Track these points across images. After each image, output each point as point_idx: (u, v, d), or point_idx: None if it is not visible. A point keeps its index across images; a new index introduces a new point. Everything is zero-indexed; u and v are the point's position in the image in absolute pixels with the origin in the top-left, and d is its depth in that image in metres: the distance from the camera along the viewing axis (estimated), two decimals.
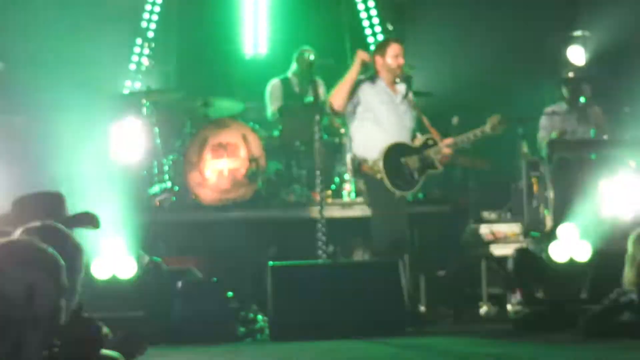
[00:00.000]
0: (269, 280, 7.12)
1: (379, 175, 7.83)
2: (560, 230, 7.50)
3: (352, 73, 8.09)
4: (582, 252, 7.30)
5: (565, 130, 9.34)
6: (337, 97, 8.07)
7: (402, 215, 7.99)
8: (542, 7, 10.85)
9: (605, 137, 9.23)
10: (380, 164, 7.81)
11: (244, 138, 9.08)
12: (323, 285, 7.09)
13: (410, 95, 8.40)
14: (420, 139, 8.13)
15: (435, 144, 8.02)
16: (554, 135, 9.22)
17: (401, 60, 8.15)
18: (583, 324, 6.28)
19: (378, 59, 8.23)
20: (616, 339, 5.71)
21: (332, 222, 8.09)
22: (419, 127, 8.33)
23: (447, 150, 8.00)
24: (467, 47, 8.40)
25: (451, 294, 9.01)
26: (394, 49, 8.18)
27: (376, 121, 8.11)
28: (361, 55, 8.19)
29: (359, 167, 8.04)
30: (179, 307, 7.07)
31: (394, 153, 7.91)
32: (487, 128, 7.92)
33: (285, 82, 10.31)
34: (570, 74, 9.88)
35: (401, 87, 8.34)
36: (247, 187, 9.04)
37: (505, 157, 9.92)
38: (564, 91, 9.66)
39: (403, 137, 8.12)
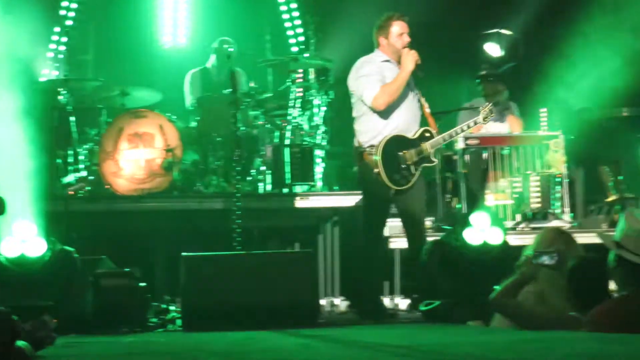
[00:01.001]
0: (182, 270, 7.11)
1: (376, 170, 7.58)
2: (474, 217, 7.64)
3: (404, 75, 7.69)
4: (495, 237, 7.47)
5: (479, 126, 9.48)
6: (385, 95, 7.65)
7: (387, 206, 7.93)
8: (459, 3, 10.99)
9: (518, 132, 9.39)
10: (378, 159, 7.57)
11: (161, 128, 9.04)
12: (236, 276, 7.09)
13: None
14: (417, 131, 7.79)
15: (432, 136, 7.75)
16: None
17: (407, 39, 7.73)
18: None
19: (382, 40, 7.85)
20: None
21: (247, 213, 8.11)
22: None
23: (440, 142, 7.84)
24: None
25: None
26: (398, 26, 7.77)
27: (397, 104, 7.76)
28: (412, 57, 7.69)
29: (361, 155, 7.78)
30: (91, 297, 7.03)
31: (392, 146, 7.63)
32: (480, 118, 7.91)
33: (204, 73, 10.30)
34: (486, 71, 9.96)
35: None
36: (162, 177, 9.00)
37: None
38: (481, 87, 9.79)
39: (412, 126, 7.82)
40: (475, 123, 7.92)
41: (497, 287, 5.39)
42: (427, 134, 7.73)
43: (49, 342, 4.71)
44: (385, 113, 7.70)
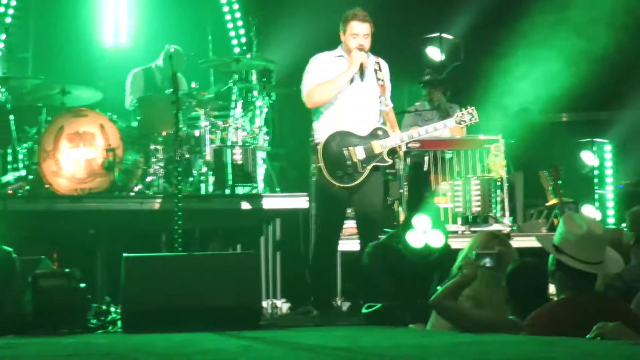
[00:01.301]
0: (123, 271, 7.05)
1: (317, 165, 7.60)
2: (415, 220, 7.69)
3: (343, 75, 7.66)
4: (436, 239, 7.53)
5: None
6: (316, 93, 7.71)
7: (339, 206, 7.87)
8: (401, 7, 11.05)
9: (459, 136, 9.46)
10: (319, 154, 7.57)
11: (102, 127, 9.00)
12: (178, 277, 7.05)
13: (381, 74, 7.85)
14: (370, 128, 7.70)
15: (385, 135, 7.63)
16: None
17: (362, 41, 7.63)
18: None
19: (341, 35, 7.79)
20: None
21: (188, 214, 8.08)
22: None
23: (395, 142, 7.70)
24: (332, 42, 8.45)
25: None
26: (353, 26, 7.66)
27: (335, 104, 7.70)
28: (359, 58, 7.66)
29: (315, 153, 7.74)
30: (30, 298, 6.96)
31: (337, 143, 7.58)
32: (452, 121, 8.03)
33: (148, 73, 10.29)
34: (430, 76, 10.05)
35: (370, 66, 7.80)
36: (103, 177, 8.96)
37: None
38: (425, 92, 9.87)
39: (366, 123, 7.71)
40: (445, 126, 8.00)
41: (438, 289, 5.40)
42: (380, 132, 7.63)
43: None
44: (336, 110, 7.67)
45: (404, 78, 10.62)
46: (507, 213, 9.11)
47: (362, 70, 7.68)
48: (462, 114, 7.82)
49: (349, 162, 7.49)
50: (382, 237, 8.18)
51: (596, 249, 4.41)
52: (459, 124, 7.84)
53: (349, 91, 7.70)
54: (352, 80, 7.70)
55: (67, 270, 7.30)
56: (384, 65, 8.02)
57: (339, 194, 7.67)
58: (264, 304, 8.30)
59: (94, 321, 7.29)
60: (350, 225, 8.90)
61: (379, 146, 7.53)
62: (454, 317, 5.20)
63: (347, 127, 7.64)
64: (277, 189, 9.51)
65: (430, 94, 9.83)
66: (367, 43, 7.69)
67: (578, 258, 4.37)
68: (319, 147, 7.59)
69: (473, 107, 7.80)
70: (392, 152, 7.78)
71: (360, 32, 7.62)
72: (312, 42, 8.20)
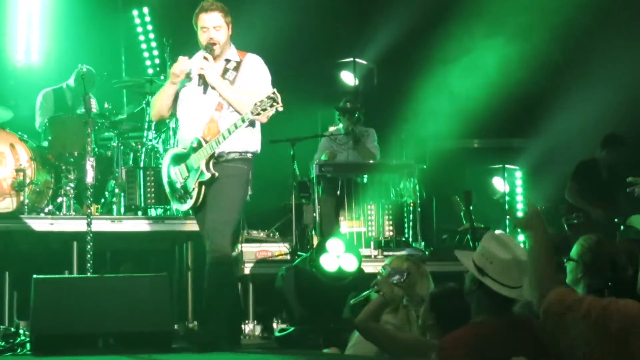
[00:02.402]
0: (33, 293, 6.93)
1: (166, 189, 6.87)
2: (329, 244, 7.74)
3: (165, 88, 6.77)
4: (350, 263, 7.59)
5: (335, 153, 9.58)
6: (153, 109, 7.01)
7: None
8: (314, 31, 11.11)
9: (373, 161, 9.54)
10: (163, 179, 6.83)
11: (12, 147, 8.86)
12: (89, 299, 6.94)
13: (237, 74, 6.59)
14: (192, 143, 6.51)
15: (199, 146, 6.40)
16: (324, 157, 9.45)
17: (213, 34, 6.45)
18: None
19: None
20: None
21: (100, 236, 8.00)
22: None
23: (207, 151, 6.41)
24: None
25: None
26: (200, 19, 6.50)
27: (181, 114, 6.75)
28: (174, 69, 6.64)
29: None
30: None
31: (170, 163, 6.72)
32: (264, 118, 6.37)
33: (58, 93, 10.12)
34: (348, 104, 10.07)
35: (217, 65, 6.59)
36: (12, 197, 8.82)
37: (278, 177, 10.08)
38: (340, 118, 9.92)
39: (199, 133, 6.48)
40: (244, 121, 6.32)
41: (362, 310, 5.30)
42: (195, 145, 6.43)
43: None
44: (180, 123, 6.86)
45: (318, 102, 10.68)
46: (419, 237, 9.22)
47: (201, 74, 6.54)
48: (261, 102, 6.16)
49: (178, 184, 6.61)
50: (297, 260, 8.22)
51: (518, 273, 4.34)
52: (258, 115, 6.17)
53: (188, 100, 6.66)
54: (200, 85, 6.55)
55: None
56: (249, 62, 6.70)
57: (201, 217, 6.72)
58: (175, 326, 8.20)
59: (2, 343, 7.15)
60: (263, 249, 8.93)
61: (197, 159, 6.40)
62: (378, 338, 5.12)
63: (182, 144, 6.73)
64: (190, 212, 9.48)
65: (344, 120, 9.87)
66: (219, 35, 6.51)
67: (501, 282, 4.23)
68: (162, 170, 6.88)
69: (274, 90, 6.23)
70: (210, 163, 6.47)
71: (209, 24, 6.48)
72: None
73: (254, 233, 9.52)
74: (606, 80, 10.26)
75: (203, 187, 6.45)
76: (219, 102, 6.48)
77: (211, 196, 6.52)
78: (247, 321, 8.65)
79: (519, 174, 11.32)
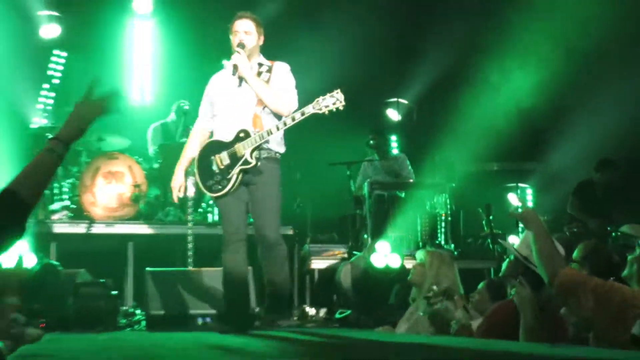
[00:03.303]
0: (147, 282, 7.11)
1: (194, 179, 6.08)
2: (378, 245, 7.78)
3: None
4: (394, 261, 7.64)
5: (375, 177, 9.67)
6: None
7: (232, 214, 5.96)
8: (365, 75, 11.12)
9: (410, 180, 9.60)
10: (195, 167, 6.00)
11: (130, 168, 9.00)
12: (190, 287, 7.08)
13: (270, 76, 5.90)
14: (235, 133, 5.77)
15: (247, 136, 5.69)
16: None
17: (242, 36, 5.85)
18: None
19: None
20: None
21: (198, 238, 8.13)
22: None
23: (256, 141, 5.68)
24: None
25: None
26: (235, 25, 5.92)
27: (220, 110, 5.97)
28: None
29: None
30: (72, 302, 7.00)
31: (208, 152, 5.89)
32: (311, 108, 5.61)
33: (164, 126, 10.24)
34: (373, 140, 10.06)
35: (252, 65, 5.91)
36: (131, 207, 8.94)
37: (335, 193, 10.10)
38: (371, 150, 10.02)
39: (237, 129, 5.77)
40: (303, 114, 5.60)
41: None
42: (242, 135, 5.71)
43: (31, 339, 4.68)
44: (219, 120, 6.01)
45: (368, 133, 10.72)
46: (450, 241, 9.22)
47: (239, 75, 5.85)
48: (324, 99, 5.55)
49: (217, 170, 5.78)
50: (353, 258, 8.25)
51: None
52: (320, 110, 5.52)
53: (227, 97, 5.96)
54: (239, 86, 5.86)
55: (102, 280, 7.36)
56: (280, 67, 6.02)
57: (231, 202, 5.87)
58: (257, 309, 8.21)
59: (123, 321, 7.35)
60: (326, 249, 8.97)
61: (241, 148, 5.67)
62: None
63: (222, 136, 5.89)
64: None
65: (377, 150, 9.93)
66: (249, 39, 5.89)
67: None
68: (195, 160, 6.00)
69: (338, 90, 5.60)
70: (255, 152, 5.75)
71: (240, 28, 5.90)
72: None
73: (319, 236, 9.62)
74: (603, 111, 10.15)
75: (241, 174, 5.70)
76: (259, 99, 5.80)
77: (258, 190, 5.80)
78: (313, 306, 8.70)
79: (529, 191, 11.22)
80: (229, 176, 5.72)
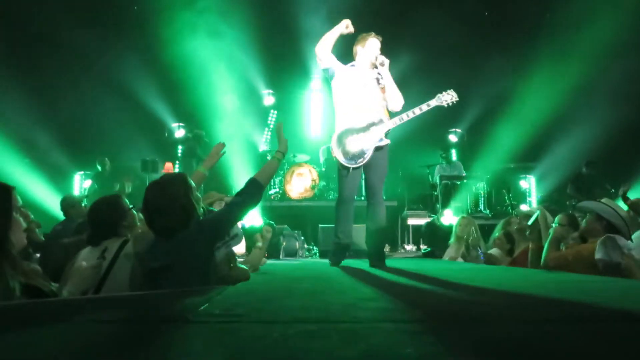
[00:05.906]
0: (319, 232, 7.07)
1: (333, 154, 4.37)
2: (445, 212, 7.50)
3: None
4: (454, 220, 7.26)
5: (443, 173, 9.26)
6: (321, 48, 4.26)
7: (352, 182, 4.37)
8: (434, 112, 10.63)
9: (463, 174, 9.13)
10: (334, 143, 4.37)
11: (310, 171, 9.00)
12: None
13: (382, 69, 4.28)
14: (372, 118, 4.29)
15: (381, 122, 4.25)
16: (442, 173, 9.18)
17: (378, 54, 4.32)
18: None
19: (357, 49, 4.40)
20: None
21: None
22: None
23: (390, 125, 4.27)
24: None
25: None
26: (370, 41, 4.37)
27: (353, 99, 4.30)
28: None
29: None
30: (281, 242, 6.87)
31: (348, 132, 4.29)
32: (434, 102, 4.29)
33: (328, 147, 10.13)
34: (443, 152, 9.51)
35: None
36: (310, 191, 8.92)
37: (421, 181, 9.73)
38: (444, 158, 9.52)
39: (371, 113, 4.27)
40: (429, 106, 4.25)
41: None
42: (377, 120, 4.26)
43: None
44: (350, 105, 4.35)
45: (437, 149, 10.23)
46: (486, 208, 8.76)
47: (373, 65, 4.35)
48: (443, 95, 4.27)
49: (355, 149, 4.22)
50: (432, 218, 7.96)
51: None
52: (441, 103, 4.23)
53: (360, 88, 4.34)
54: (373, 78, 4.36)
55: (295, 231, 7.42)
56: (387, 62, 4.31)
57: (352, 173, 4.31)
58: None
59: (307, 253, 7.35)
60: (416, 214, 8.67)
61: (379, 130, 4.21)
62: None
63: (357, 120, 4.28)
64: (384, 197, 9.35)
65: (445, 158, 9.47)
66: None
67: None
68: (334, 137, 4.32)
69: (452, 89, 4.31)
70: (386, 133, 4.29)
71: (377, 47, 4.37)
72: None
73: (412, 206, 9.32)
74: (584, 129, 9.24)
75: (373, 151, 4.22)
76: (378, 88, 4.31)
77: (376, 164, 4.28)
78: (408, 245, 8.50)
79: (532, 180, 10.49)
80: (365, 152, 4.23)
